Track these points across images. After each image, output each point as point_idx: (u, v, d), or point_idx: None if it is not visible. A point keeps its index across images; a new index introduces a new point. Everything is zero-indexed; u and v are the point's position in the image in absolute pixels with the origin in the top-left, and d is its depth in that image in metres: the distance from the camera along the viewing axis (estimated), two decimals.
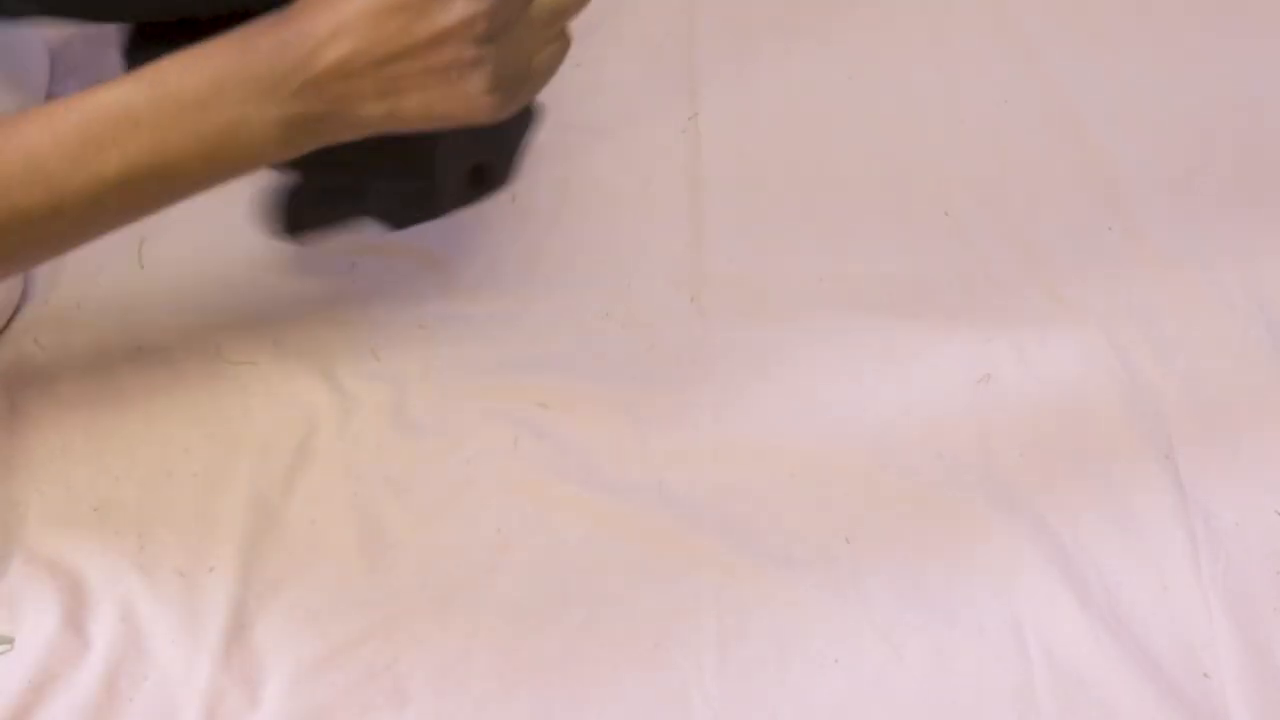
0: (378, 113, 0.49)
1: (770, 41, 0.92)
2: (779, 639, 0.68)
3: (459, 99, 0.49)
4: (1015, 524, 0.71)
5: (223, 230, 0.84)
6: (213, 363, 0.79)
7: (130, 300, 0.81)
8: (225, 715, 0.66)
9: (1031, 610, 0.68)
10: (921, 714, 0.66)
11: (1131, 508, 0.71)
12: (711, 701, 0.67)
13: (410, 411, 0.77)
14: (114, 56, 0.92)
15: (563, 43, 0.56)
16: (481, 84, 0.49)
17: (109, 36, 0.94)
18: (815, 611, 0.69)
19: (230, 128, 0.47)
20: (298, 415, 0.77)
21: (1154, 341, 0.77)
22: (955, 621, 0.68)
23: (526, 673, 0.68)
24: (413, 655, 0.68)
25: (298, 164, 0.53)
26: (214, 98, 0.47)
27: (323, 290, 0.81)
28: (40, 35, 0.87)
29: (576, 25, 0.92)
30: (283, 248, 0.83)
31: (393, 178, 0.62)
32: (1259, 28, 0.91)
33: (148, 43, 0.58)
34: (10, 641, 0.68)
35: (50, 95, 0.89)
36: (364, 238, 0.83)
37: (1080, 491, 0.72)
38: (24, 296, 0.81)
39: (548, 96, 0.60)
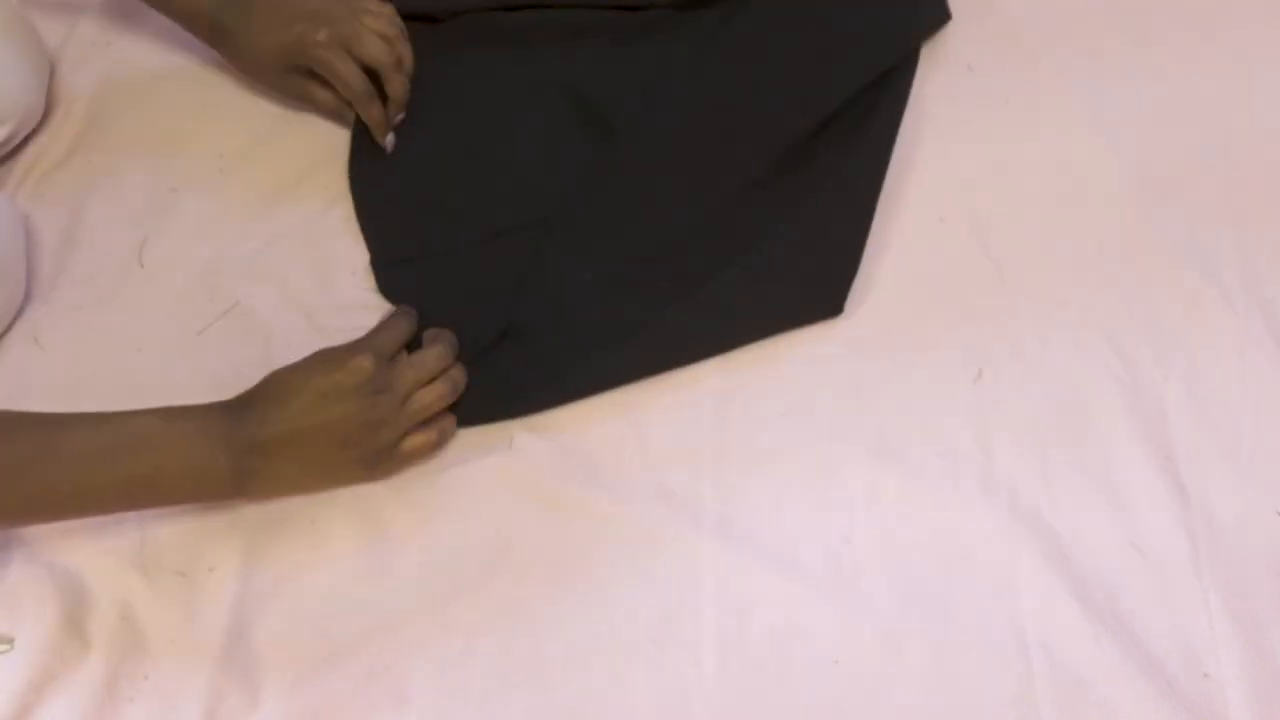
0: (290, 473, 0.70)
1: None
2: (779, 639, 0.68)
3: (339, 469, 0.71)
4: (1014, 524, 0.71)
5: (223, 231, 0.84)
6: (213, 363, 0.79)
7: (130, 300, 0.81)
8: (225, 715, 0.67)
9: (1031, 610, 0.68)
10: (921, 714, 0.66)
11: (1131, 509, 0.71)
12: (711, 701, 0.67)
13: None
14: (113, 55, 0.93)
15: (432, 435, 0.73)
16: (355, 456, 0.70)
17: (108, 36, 0.94)
18: (815, 611, 0.69)
19: (203, 463, 0.67)
20: None
21: (1154, 341, 0.77)
22: (955, 621, 0.68)
23: (526, 673, 0.68)
24: (413, 655, 0.68)
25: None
26: (199, 439, 0.66)
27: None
28: (42, 32, 0.87)
29: None
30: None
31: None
32: (1260, 29, 0.91)
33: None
34: (10, 641, 0.68)
35: (53, 92, 0.89)
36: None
37: (1080, 491, 0.72)
38: (25, 296, 0.81)
39: None
